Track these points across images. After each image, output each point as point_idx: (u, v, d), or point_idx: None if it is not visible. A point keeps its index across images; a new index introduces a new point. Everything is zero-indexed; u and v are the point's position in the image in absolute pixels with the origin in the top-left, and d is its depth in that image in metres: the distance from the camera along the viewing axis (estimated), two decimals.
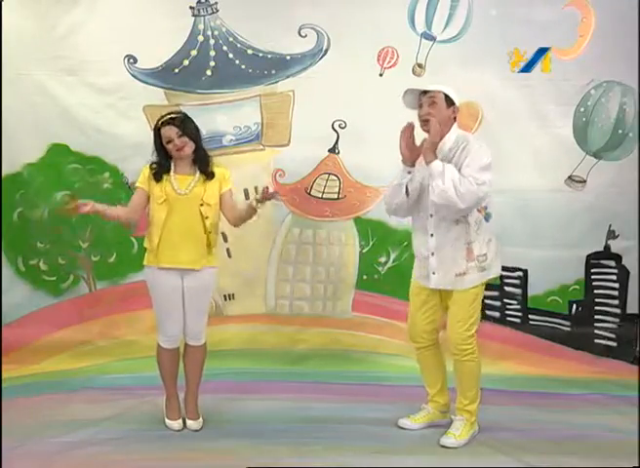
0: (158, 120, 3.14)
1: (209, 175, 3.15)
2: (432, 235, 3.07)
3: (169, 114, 3.15)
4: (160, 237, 3.09)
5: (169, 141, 3.08)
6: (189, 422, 3.26)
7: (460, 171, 2.91)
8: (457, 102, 3.04)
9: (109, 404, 3.52)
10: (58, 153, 4.26)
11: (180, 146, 3.08)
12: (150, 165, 3.15)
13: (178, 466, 2.89)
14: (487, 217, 3.06)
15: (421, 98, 3.05)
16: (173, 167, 3.14)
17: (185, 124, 3.10)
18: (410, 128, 3.04)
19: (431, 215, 3.05)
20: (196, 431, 3.22)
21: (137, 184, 3.19)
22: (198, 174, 3.15)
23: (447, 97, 3.01)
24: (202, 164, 3.16)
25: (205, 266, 3.16)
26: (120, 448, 3.01)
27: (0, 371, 3.80)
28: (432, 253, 3.08)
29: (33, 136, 4.23)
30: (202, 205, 3.11)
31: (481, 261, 3.04)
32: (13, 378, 3.89)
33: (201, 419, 3.27)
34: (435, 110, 2.99)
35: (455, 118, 3.07)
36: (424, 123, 3.03)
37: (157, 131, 3.12)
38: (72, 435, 3.13)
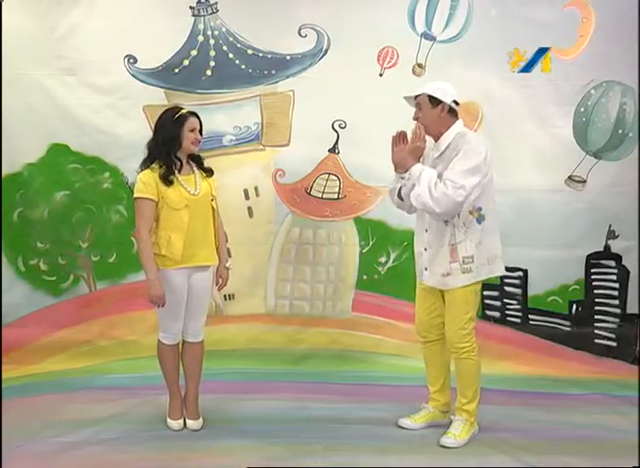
0: (177, 111, 3.09)
1: (207, 171, 3.20)
2: (427, 230, 3.11)
3: (184, 108, 3.15)
4: (184, 241, 3.05)
5: (192, 130, 3.07)
6: (189, 422, 3.26)
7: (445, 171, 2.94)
8: (444, 99, 3.01)
9: (109, 404, 3.52)
10: (58, 153, 4.27)
11: (198, 141, 3.11)
12: (156, 167, 3.05)
13: (178, 466, 2.89)
14: (479, 220, 3.03)
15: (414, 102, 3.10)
16: (178, 168, 3.08)
17: (201, 122, 3.15)
18: (400, 136, 3.07)
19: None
20: (196, 431, 3.22)
21: (143, 196, 3.00)
22: (197, 171, 3.17)
23: (431, 97, 3.01)
24: (200, 162, 3.21)
25: (215, 263, 3.22)
26: (120, 448, 3.02)
27: (0, 371, 3.81)
28: (425, 249, 3.12)
29: (33, 136, 4.23)
30: (212, 200, 3.16)
31: (466, 263, 3.02)
32: (13, 378, 3.89)
33: (201, 419, 3.27)
34: (422, 113, 3.04)
35: (454, 114, 3.06)
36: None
37: (181, 120, 3.05)
38: (72, 435, 3.13)
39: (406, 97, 3.13)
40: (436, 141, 3.09)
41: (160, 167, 3.05)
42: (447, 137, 3.04)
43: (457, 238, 3.02)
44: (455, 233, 3.02)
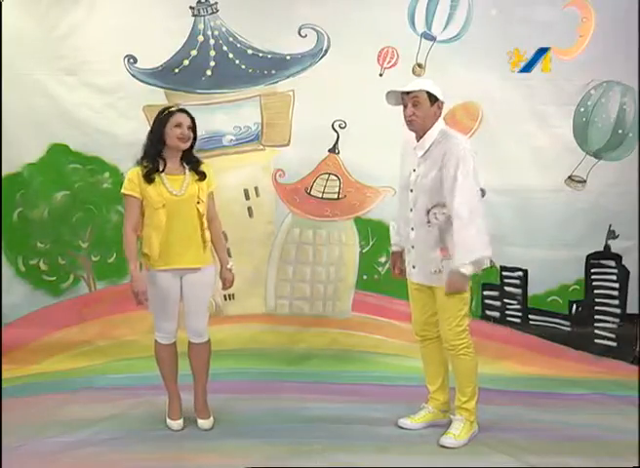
0: (166, 108, 3.11)
1: (200, 174, 3.15)
2: (412, 229, 3.12)
3: (178, 106, 3.14)
4: (161, 241, 3.06)
5: (177, 125, 3.04)
6: (200, 421, 3.25)
7: (445, 171, 2.93)
8: (440, 97, 3.03)
9: (109, 404, 3.52)
10: (58, 153, 4.26)
11: (186, 137, 3.07)
12: (141, 165, 3.08)
13: (178, 466, 2.89)
14: None
15: (405, 98, 3.04)
16: (162, 167, 3.08)
17: (194, 120, 3.12)
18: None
19: (411, 210, 3.09)
20: (207, 430, 3.22)
21: (126, 192, 3.07)
22: (188, 173, 3.14)
23: (430, 94, 3.00)
24: (195, 164, 3.16)
25: (204, 265, 3.17)
26: (120, 448, 3.02)
27: (0, 371, 3.81)
28: (412, 247, 3.13)
29: (33, 136, 4.22)
30: (199, 202, 3.11)
31: None
32: (13, 378, 3.89)
33: (212, 418, 3.27)
34: (419, 110, 3.00)
35: (440, 112, 3.07)
36: (409, 123, 3.05)
37: (166, 116, 3.06)
38: (72, 435, 3.14)
39: (391, 93, 3.07)
40: (419, 139, 3.07)
41: (145, 166, 3.07)
42: (431, 135, 3.02)
43: (446, 241, 3.02)
44: (443, 229, 3.01)
